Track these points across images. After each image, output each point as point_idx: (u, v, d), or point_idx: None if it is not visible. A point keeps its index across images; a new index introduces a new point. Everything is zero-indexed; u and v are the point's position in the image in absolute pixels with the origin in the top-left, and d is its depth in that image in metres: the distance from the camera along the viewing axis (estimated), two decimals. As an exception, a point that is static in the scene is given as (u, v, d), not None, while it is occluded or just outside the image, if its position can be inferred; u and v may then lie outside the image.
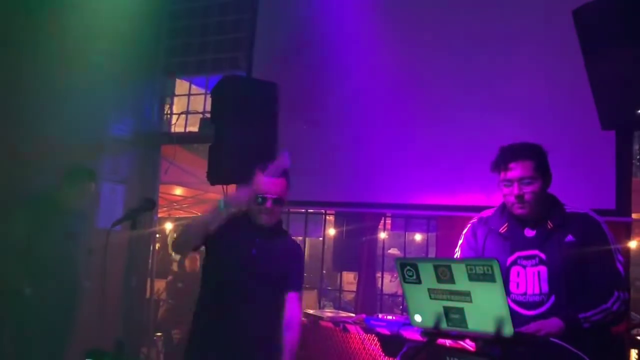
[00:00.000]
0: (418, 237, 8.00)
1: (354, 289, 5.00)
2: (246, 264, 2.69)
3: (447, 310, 1.88)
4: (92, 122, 4.94)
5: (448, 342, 2.09)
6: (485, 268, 1.76)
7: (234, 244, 2.72)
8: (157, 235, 7.47)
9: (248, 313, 2.66)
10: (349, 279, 6.66)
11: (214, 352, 2.66)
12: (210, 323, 2.71)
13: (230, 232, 2.75)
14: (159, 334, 6.11)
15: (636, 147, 3.77)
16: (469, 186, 3.83)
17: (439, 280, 1.86)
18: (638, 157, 3.73)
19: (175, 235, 7.47)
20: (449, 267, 1.84)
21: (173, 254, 9.92)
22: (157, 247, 7.35)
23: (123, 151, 5.29)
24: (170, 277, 7.44)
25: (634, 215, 3.66)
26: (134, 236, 2.65)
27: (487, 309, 1.80)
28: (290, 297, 2.80)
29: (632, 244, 4.58)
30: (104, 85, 4.89)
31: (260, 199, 2.71)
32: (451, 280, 1.84)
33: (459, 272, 1.81)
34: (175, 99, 5.67)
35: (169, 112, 5.64)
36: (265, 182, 2.72)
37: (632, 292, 5.53)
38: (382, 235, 5.34)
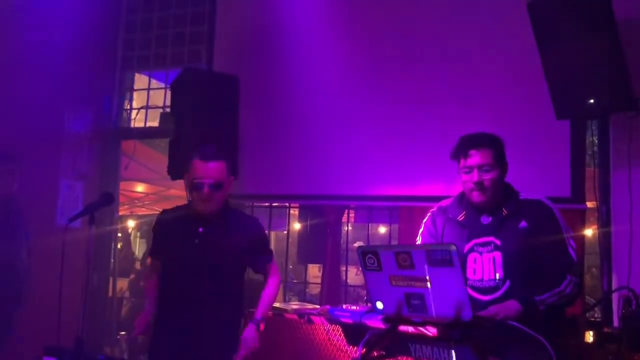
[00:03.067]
0: (382, 229, 8.07)
1: (319, 282, 5.02)
2: (190, 255, 2.66)
3: (408, 297, 1.91)
4: (49, 118, 4.83)
5: (410, 329, 2.12)
6: (444, 253, 1.80)
7: (177, 238, 2.70)
8: (119, 235, 7.33)
9: (200, 303, 2.65)
10: (314, 272, 6.68)
11: (172, 344, 2.65)
12: (168, 316, 2.72)
13: (174, 227, 2.74)
14: (122, 333, 6.02)
15: (589, 139, 3.88)
16: (429, 177, 3.89)
17: (400, 266, 1.89)
18: (594, 148, 3.84)
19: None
20: (409, 254, 1.87)
21: (136, 252, 9.80)
22: (119, 246, 7.23)
23: (82, 147, 5.18)
24: (132, 276, 7.33)
25: (588, 205, 3.77)
26: (94, 233, 2.60)
27: (446, 293, 1.83)
28: (267, 268, 2.83)
29: (588, 232, 4.72)
30: (60, 80, 4.79)
31: (195, 185, 2.59)
32: (411, 266, 1.87)
33: (419, 258, 1.84)
34: (135, 94, 5.58)
35: (128, 106, 5.54)
36: (201, 166, 2.59)
37: (589, 278, 5.72)
38: (346, 228, 5.36)
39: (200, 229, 2.67)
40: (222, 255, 2.68)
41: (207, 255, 2.66)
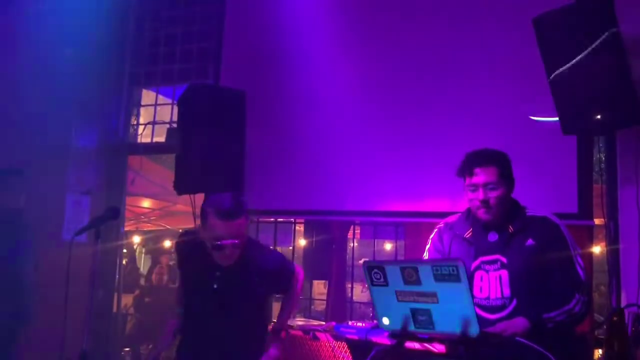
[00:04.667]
0: (388, 246, 8.03)
1: (325, 299, 4.98)
2: (209, 299, 2.61)
3: (414, 312, 1.89)
4: (57, 132, 4.86)
5: (416, 345, 2.10)
6: (450, 269, 1.79)
7: (196, 280, 2.66)
8: (124, 251, 7.33)
9: (222, 345, 2.61)
10: (320, 289, 6.64)
11: None
12: (190, 356, 2.69)
13: (194, 267, 2.69)
14: (126, 349, 5.99)
15: (597, 156, 3.86)
16: (435, 192, 3.87)
17: (406, 282, 1.88)
18: (601, 165, 3.82)
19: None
20: (416, 269, 1.86)
21: (140, 268, 9.78)
22: (124, 262, 7.22)
23: (88, 162, 5.20)
24: (137, 292, 7.31)
25: (596, 221, 3.74)
26: (100, 248, 2.60)
27: (453, 309, 1.82)
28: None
29: (596, 250, 4.67)
30: (68, 95, 4.83)
31: (216, 246, 2.46)
32: (418, 281, 1.86)
33: (425, 273, 1.83)
34: (142, 110, 5.61)
35: (135, 122, 5.57)
36: (220, 226, 2.42)
37: (597, 296, 5.66)
38: (352, 244, 5.34)
39: (218, 273, 2.59)
40: (241, 298, 2.61)
41: (225, 299, 2.60)
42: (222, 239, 2.44)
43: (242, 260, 2.58)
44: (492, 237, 2.44)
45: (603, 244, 4.41)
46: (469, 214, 2.52)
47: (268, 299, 2.84)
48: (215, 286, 2.58)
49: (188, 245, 2.74)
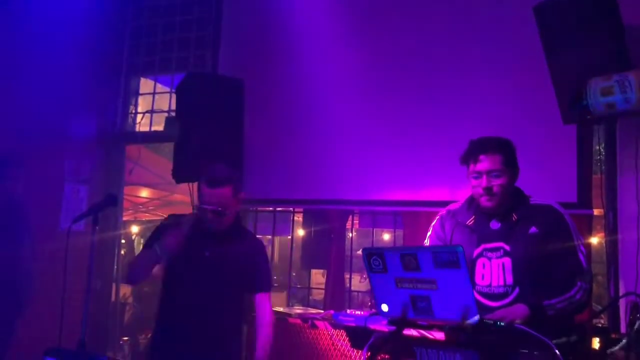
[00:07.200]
0: (386, 236, 8.05)
1: (323, 288, 4.99)
2: (199, 266, 2.68)
3: (413, 299, 1.88)
4: (54, 122, 4.83)
5: (415, 332, 2.09)
6: (450, 255, 1.78)
7: (187, 247, 2.68)
8: (122, 241, 7.32)
9: (204, 313, 2.65)
10: (318, 279, 6.65)
11: (173, 353, 2.63)
12: (169, 324, 2.71)
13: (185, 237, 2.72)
14: (125, 338, 6.00)
15: (596, 147, 3.85)
16: (434, 181, 3.87)
17: (405, 268, 1.87)
18: (599, 156, 3.81)
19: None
20: (415, 255, 1.85)
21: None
22: (122, 252, 7.22)
23: (86, 151, 5.19)
24: (135, 282, 7.30)
25: (595, 212, 3.73)
26: (98, 238, 2.59)
27: (453, 296, 1.81)
28: (260, 297, 2.82)
29: (594, 240, 4.68)
30: (65, 85, 4.80)
31: (200, 209, 2.66)
32: (417, 268, 1.85)
33: (425, 259, 1.82)
34: (140, 98, 5.58)
35: (133, 111, 5.54)
36: (206, 192, 2.65)
37: (595, 286, 5.66)
38: (351, 234, 5.34)
39: (210, 242, 2.72)
40: (230, 269, 2.72)
41: (216, 267, 2.69)
42: (206, 205, 2.64)
43: (234, 236, 2.76)
44: (495, 224, 2.43)
45: (601, 234, 4.41)
46: (471, 202, 2.51)
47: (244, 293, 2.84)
48: (207, 253, 2.70)
49: (176, 219, 2.82)
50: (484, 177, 2.38)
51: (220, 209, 2.63)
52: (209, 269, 2.69)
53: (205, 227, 2.71)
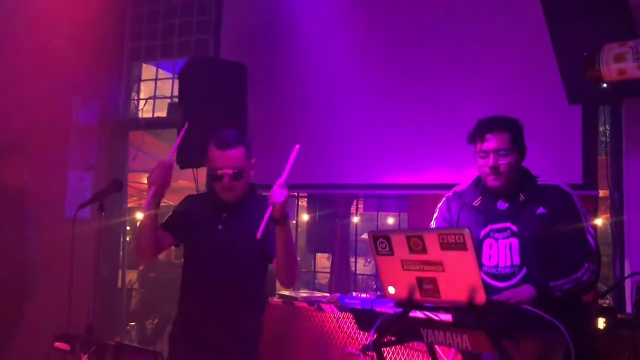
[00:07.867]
0: (390, 220, 8.03)
1: (328, 272, 5.00)
2: (214, 241, 2.57)
3: (420, 281, 1.89)
4: (57, 109, 4.83)
5: (422, 315, 2.10)
6: (457, 237, 1.77)
7: (200, 224, 2.61)
8: (128, 228, 7.34)
9: (225, 289, 2.55)
10: (323, 262, 6.66)
11: (197, 334, 2.57)
12: (192, 306, 2.62)
13: (196, 214, 2.66)
14: (132, 323, 6.04)
15: (601, 128, 3.82)
16: (438, 164, 3.86)
17: (412, 250, 1.87)
18: (606, 137, 3.79)
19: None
20: (421, 238, 1.84)
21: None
22: (128, 239, 7.24)
23: (90, 138, 5.19)
24: (141, 267, 7.33)
25: (600, 193, 3.72)
26: (104, 224, 2.59)
27: (459, 277, 1.81)
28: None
29: (598, 222, 4.67)
30: (68, 72, 4.79)
31: (215, 176, 2.49)
32: (423, 250, 1.85)
33: (431, 241, 1.82)
34: (142, 84, 5.57)
35: (135, 97, 5.53)
36: (219, 156, 2.48)
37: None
38: (355, 219, 5.34)
39: (224, 215, 2.59)
40: (246, 241, 2.54)
41: (230, 241, 2.57)
42: (220, 169, 2.46)
43: (248, 205, 2.59)
44: (502, 205, 2.42)
45: (606, 216, 4.40)
46: (478, 182, 2.50)
47: (267, 261, 2.71)
48: (220, 227, 2.57)
49: (193, 199, 2.78)
50: (491, 156, 2.36)
51: (233, 171, 2.47)
52: (223, 243, 2.57)
53: (217, 200, 2.58)
